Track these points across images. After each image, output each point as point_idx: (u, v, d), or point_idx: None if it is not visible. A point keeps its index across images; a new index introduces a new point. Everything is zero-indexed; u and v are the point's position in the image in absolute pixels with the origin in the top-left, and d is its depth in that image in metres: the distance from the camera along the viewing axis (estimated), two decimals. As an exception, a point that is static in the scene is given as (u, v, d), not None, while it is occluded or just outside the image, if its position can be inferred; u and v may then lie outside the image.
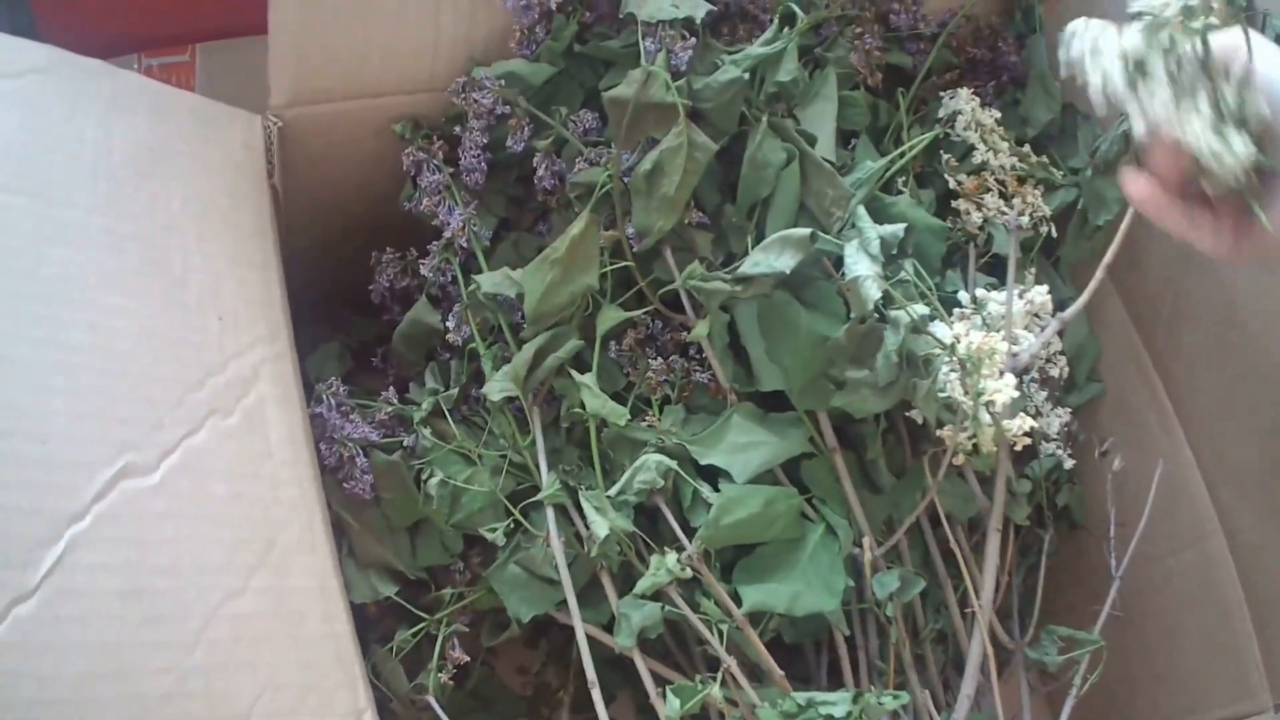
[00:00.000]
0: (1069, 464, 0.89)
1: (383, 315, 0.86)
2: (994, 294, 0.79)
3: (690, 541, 0.73)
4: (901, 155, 0.80)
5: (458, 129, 0.80)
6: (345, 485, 0.77)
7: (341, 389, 0.78)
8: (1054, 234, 0.87)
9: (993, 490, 0.77)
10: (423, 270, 0.80)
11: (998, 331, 0.74)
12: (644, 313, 0.78)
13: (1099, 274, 0.80)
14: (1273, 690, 0.83)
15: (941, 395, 0.72)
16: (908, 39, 0.87)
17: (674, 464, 0.73)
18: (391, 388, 0.80)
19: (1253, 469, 0.83)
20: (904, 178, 0.82)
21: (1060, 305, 0.81)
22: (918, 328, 0.72)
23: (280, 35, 0.78)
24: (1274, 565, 0.83)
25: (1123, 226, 0.81)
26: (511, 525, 0.76)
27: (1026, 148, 0.88)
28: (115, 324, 0.68)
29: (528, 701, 0.90)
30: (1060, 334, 0.86)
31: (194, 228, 0.74)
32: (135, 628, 0.62)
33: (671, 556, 0.72)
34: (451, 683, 0.78)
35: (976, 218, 0.85)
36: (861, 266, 0.71)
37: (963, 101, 0.85)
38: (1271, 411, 0.81)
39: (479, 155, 0.79)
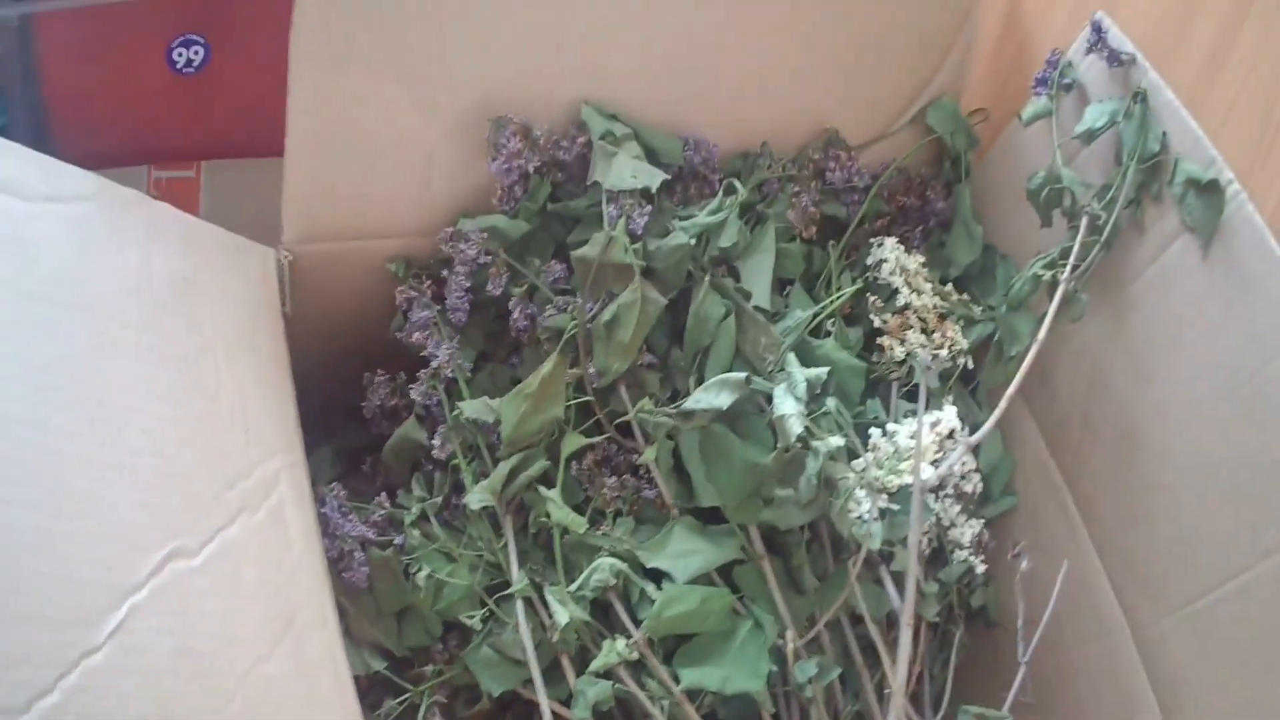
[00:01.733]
0: (980, 569, 1.30)
1: (372, 428, 1.29)
2: (903, 425, 1.22)
3: (637, 630, 1.16)
4: (831, 303, 1.24)
5: (445, 271, 1.23)
6: (344, 575, 1.18)
7: (342, 492, 1.21)
8: (969, 365, 1.30)
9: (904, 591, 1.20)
10: (412, 394, 1.23)
11: (906, 459, 1.17)
12: (602, 439, 1.21)
13: (1006, 398, 1.19)
14: (1179, 779, 1.13)
15: (851, 515, 1.16)
16: (843, 190, 1.31)
17: (624, 566, 1.16)
18: (384, 493, 1.23)
19: (1155, 571, 1.17)
20: (831, 320, 1.25)
21: (976, 428, 1.24)
22: (834, 456, 1.15)
23: (295, 178, 1.18)
24: (1176, 657, 1.14)
25: (1029, 357, 1.21)
26: (486, 614, 1.18)
27: (950, 287, 1.31)
28: (164, 430, 0.95)
29: (494, 770, 1.33)
30: (976, 452, 1.28)
31: (223, 349, 1.06)
32: (184, 681, 0.87)
33: (621, 642, 1.14)
34: (430, 749, 1.21)
35: (900, 353, 1.27)
36: (787, 406, 1.14)
37: (889, 250, 1.28)
38: (1170, 522, 1.15)
39: (463, 296, 1.21)
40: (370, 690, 1.23)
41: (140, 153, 1.43)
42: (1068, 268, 1.23)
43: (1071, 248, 1.23)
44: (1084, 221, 1.23)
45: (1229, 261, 1.10)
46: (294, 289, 1.24)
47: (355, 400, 1.30)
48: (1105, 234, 1.22)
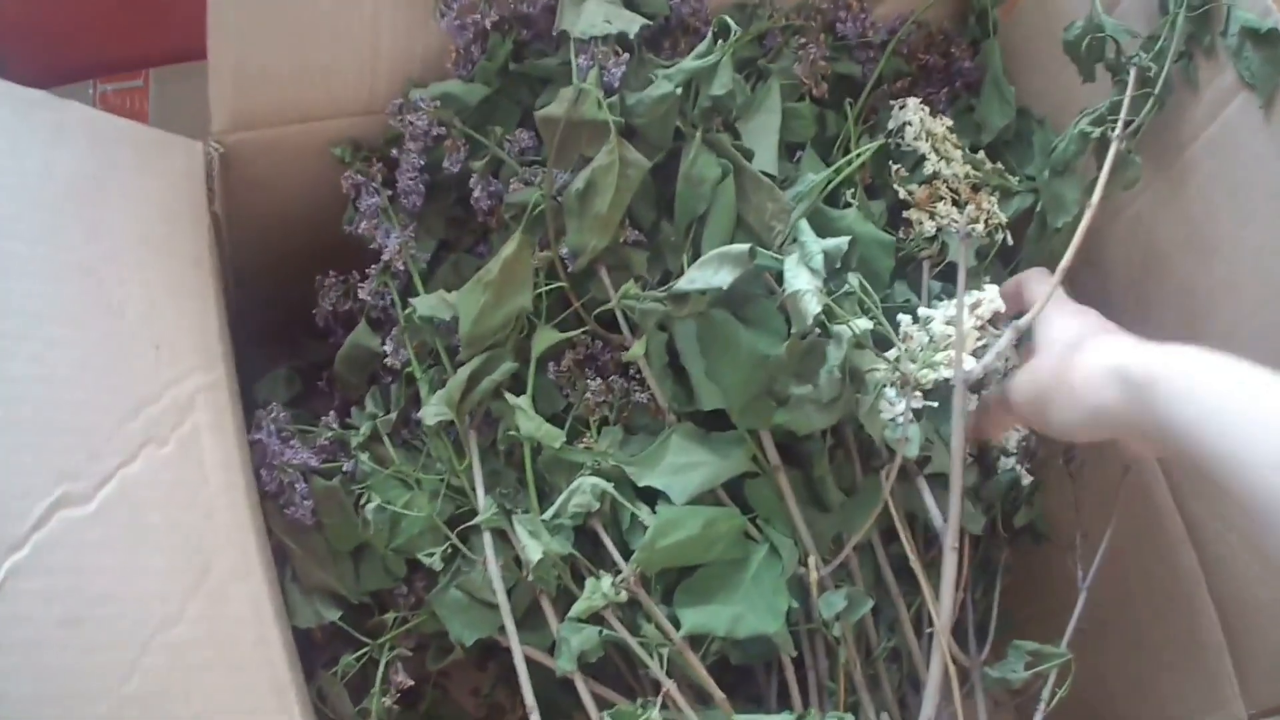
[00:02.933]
0: (1027, 480, 0.85)
1: (330, 338, 0.83)
2: (938, 309, 0.75)
3: (627, 564, 0.70)
4: (847, 165, 0.76)
5: (396, 151, 0.78)
6: (286, 511, 0.75)
7: (282, 414, 0.76)
8: (1009, 241, 0.84)
9: (947, 505, 0.74)
10: (361, 294, 0.78)
11: (943, 349, 0.71)
12: (580, 333, 0.75)
13: (1056, 278, 0.77)
14: (1245, 701, 0.79)
15: (883, 416, 0.70)
16: (856, 47, 0.84)
17: (609, 486, 0.71)
18: (334, 412, 0.78)
19: (1219, 481, 0.80)
20: (851, 190, 0.78)
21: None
22: (861, 343, 0.69)
23: (219, 61, 0.76)
24: (1242, 576, 0.79)
25: (1079, 229, 0.77)
26: (450, 550, 0.74)
27: (981, 154, 0.85)
28: (55, 355, 0.66)
29: (481, 723, 0.88)
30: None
31: (132, 257, 0.72)
32: (76, 655, 0.61)
33: (606, 580, 0.69)
34: (396, 706, 0.76)
35: (929, 228, 0.81)
36: (801, 280, 0.68)
37: (911, 111, 0.82)
38: None
39: (416, 177, 0.77)
40: (326, 644, 0.80)
41: (91, 67, 0.99)
42: (1118, 124, 0.79)
43: (1121, 102, 0.79)
44: (1132, 74, 0.79)
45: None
46: (228, 185, 0.81)
47: (314, 312, 0.84)
48: (1158, 88, 0.79)
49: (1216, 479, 0.58)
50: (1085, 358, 0.67)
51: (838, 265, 0.71)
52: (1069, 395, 0.67)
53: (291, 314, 0.86)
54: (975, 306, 0.75)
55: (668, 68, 0.73)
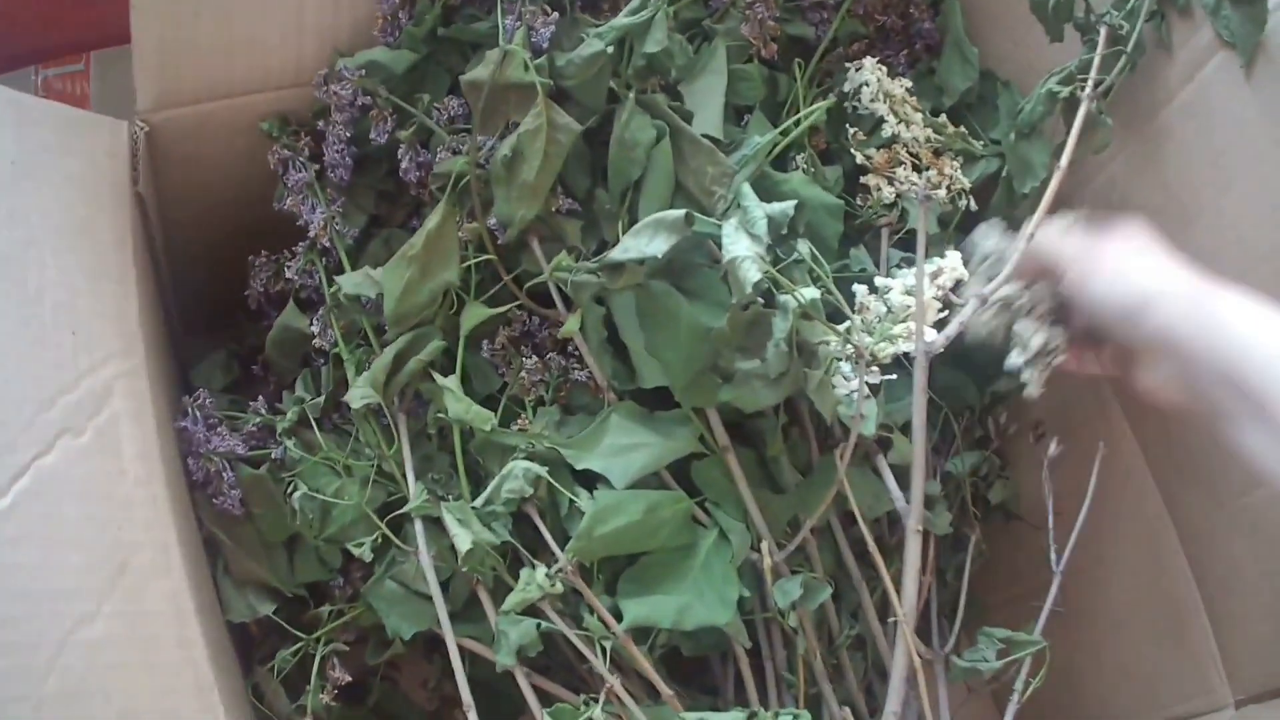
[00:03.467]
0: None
1: (263, 321, 0.78)
2: (897, 278, 0.69)
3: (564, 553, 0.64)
4: (795, 126, 0.70)
5: (324, 124, 0.72)
6: (215, 501, 0.69)
7: (209, 401, 0.70)
8: (973, 207, 0.77)
9: (909, 486, 0.68)
10: (288, 273, 0.72)
11: (901, 320, 0.65)
12: (511, 307, 0.69)
13: (1022, 243, 0.70)
14: (1232, 686, 0.73)
15: (837, 392, 0.63)
16: (809, 8, 0.77)
17: (543, 471, 0.64)
18: (262, 398, 0.72)
19: (1201, 456, 0.73)
20: (801, 154, 0.72)
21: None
22: (809, 313, 0.63)
23: (143, 37, 0.71)
24: (1226, 556, 0.73)
25: (1047, 194, 0.71)
26: (382, 539, 0.68)
27: (943, 118, 0.78)
28: None
29: (431, 716, 0.82)
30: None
31: (51, 241, 0.67)
32: None
33: (541, 570, 0.63)
34: (336, 704, 0.70)
35: (888, 193, 0.75)
36: (741, 247, 0.61)
37: (868, 72, 0.75)
38: None
39: (343, 150, 0.71)
40: (264, 639, 0.74)
41: (32, 52, 0.93)
42: (1088, 83, 0.73)
43: (1091, 60, 0.73)
44: (1102, 33, 0.73)
45: (1276, 80, 0.67)
46: (155, 164, 0.75)
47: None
48: (1130, 47, 0.72)
49: None
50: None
51: (784, 231, 0.64)
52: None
53: (230, 296, 0.80)
54: (936, 275, 0.69)
55: (600, 27, 0.67)
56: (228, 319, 0.83)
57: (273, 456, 0.70)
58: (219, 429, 0.69)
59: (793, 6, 0.77)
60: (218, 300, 0.81)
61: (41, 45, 0.92)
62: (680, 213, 0.62)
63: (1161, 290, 0.62)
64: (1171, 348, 0.62)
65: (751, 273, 0.60)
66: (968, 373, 0.79)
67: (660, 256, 0.62)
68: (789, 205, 0.64)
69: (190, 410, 0.69)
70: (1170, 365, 0.63)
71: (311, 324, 0.71)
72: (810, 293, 0.62)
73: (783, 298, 0.62)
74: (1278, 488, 0.58)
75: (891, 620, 0.67)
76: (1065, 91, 0.73)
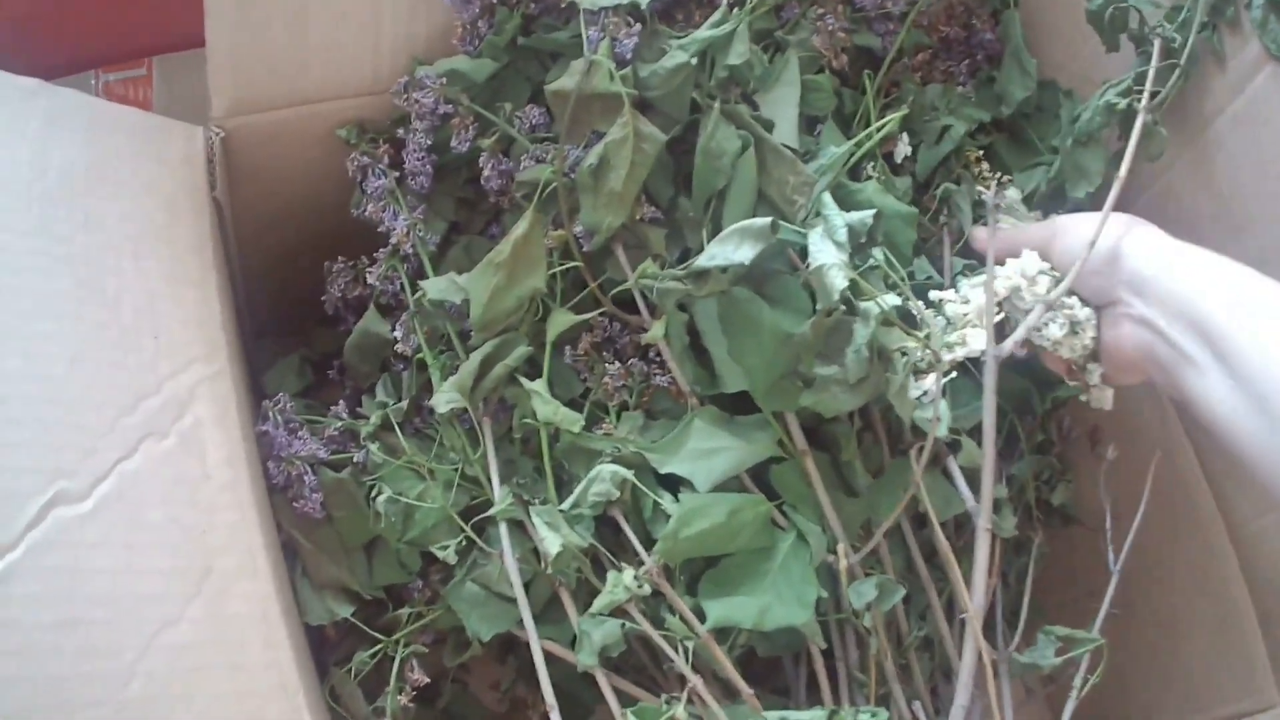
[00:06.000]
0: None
1: (339, 326, 0.77)
2: (951, 291, 0.69)
3: (649, 555, 0.64)
4: (868, 138, 0.70)
5: (403, 132, 0.72)
6: (295, 504, 0.69)
7: (289, 405, 0.70)
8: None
9: (979, 488, 0.68)
10: (370, 279, 0.72)
11: (962, 327, 0.65)
12: (596, 314, 0.68)
13: (1085, 251, 0.70)
14: (1280, 686, 0.73)
15: (913, 395, 0.63)
16: (876, 19, 0.77)
17: (630, 474, 0.64)
18: (343, 402, 0.72)
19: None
20: (872, 164, 0.72)
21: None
22: (888, 320, 0.63)
23: (218, 44, 0.70)
24: (1277, 558, 0.73)
25: (1109, 200, 0.71)
26: (466, 542, 0.67)
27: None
28: (49, 349, 0.61)
29: (502, 718, 0.81)
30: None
31: (130, 246, 0.67)
32: (71, 660, 0.56)
33: (629, 573, 0.63)
34: (412, 705, 0.69)
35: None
36: (827, 254, 0.61)
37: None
38: None
39: (424, 158, 0.70)
40: (340, 641, 0.74)
41: (94, 57, 0.93)
42: (1144, 94, 0.72)
43: (1146, 73, 0.73)
44: (1156, 45, 0.73)
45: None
46: (230, 170, 0.75)
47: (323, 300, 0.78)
48: (1183, 59, 0.72)
49: None
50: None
51: (862, 240, 0.64)
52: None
53: (302, 302, 0.80)
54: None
55: (682, 38, 0.67)
56: (296, 324, 0.82)
57: (354, 460, 0.69)
58: (300, 433, 0.69)
59: (859, 17, 0.77)
60: (286, 305, 0.81)
61: (104, 49, 0.91)
62: (766, 221, 0.62)
63: (1131, 236, 0.64)
64: (1139, 290, 0.62)
65: (838, 280, 0.60)
66: (1030, 378, 0.79)
67: (746, 263, 0.62)
68: (868, 214, 0.64)
69: (271, 414, 0.69)
70: (1135, 322, 0.63)
71: (393, 329, 0.71)
72: (891, 299, 0.62)
73: (864, 305, 0.62)
74: (1232, 437, 0.58)
75: (961, 616, 0.67)
76: (1123, 103, 0.73)
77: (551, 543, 0.63)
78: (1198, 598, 0.79)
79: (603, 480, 0.64)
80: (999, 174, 0.76)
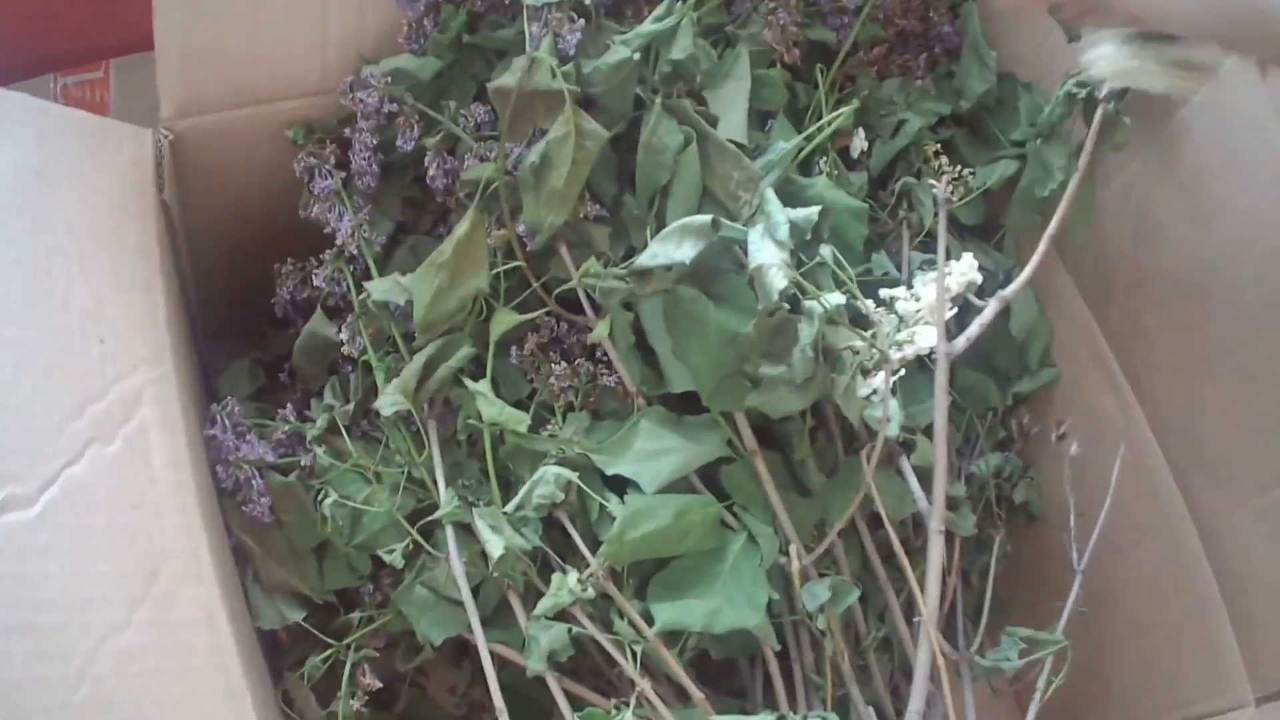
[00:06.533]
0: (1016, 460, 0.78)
1: (289, 329, 0.77)
2: (919, 280, 0.68)
3: (595, 558, 0.63)
4: (818, 132, 0.69)
5: (350, 131, 0.71)
6: (244, 509, 0.68)
7: (237, 409, 0.69)
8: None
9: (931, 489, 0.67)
10: (316, 280, 0.71)
11: (914, 325, 0.64)
12: (540, 314, 0.68)
13: (1042, 246, 0.70)
14: (1253, 683, 0.72)
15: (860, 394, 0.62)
16: (830, 12, 0.76)
17: (574, 476, 0.64)
18: (290, 405, 0.71)
19: (1222, 453, 0.72)
20: (825, 158, 0.71)
21: (1006, 283, 0.71)
22: (834, 319, 0.62)
23: (166, 45, 0.70)
24: (1247, 554, 0.71)
25: (1066, 196, 0.70)
26: (413, 546, 0.67)
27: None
28: None
29: (460, 721, 0.81)
30: (1006, 314, 0.75)
31: (77, 250, 0.66)
32: (22, 665, 0.55)
33: (572, 575, 0.62)
34: (366, 709, 0.69)
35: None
36: (766, 254, 0.61)
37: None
38: (1239, 391, 0.70)
39: (369, 157, 0.70)
40: (293, 646, 0.73)
41: (51, 60, 0.92)
42: (1105, 85, 0.71)
43: (1108, 64, 0.71)
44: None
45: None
46: (180, 172, 0.74)
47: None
48: (1146, 49, 0.70)
49: None
50: None
51: (808, 236, 0.64)
52: None
53: (257, 303, 0.79)
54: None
55: (625, 33, 0.66)
56: (251, 326, 0.82)
57: (302, 464, 0.69)
58: (248, 436, 0.68)
59: (813, 11, 0.76)
60: (241, 307, 0.80)
61: (61, 52, 0.90)
62: (707, 218, 0.61)
63: None
64: None
65: (777, 280, 0.59)
66: (990, 375, 0.78)
67: (688, 263, 0.61)
68: (813, 211, 0.64)
69: (219, 418, 0.68)
70: None
71: (340, 331, 0.70)
72: (835, 298, 0.62)
73: (808, 304, 0.62)
74: None
75: (916, 620, 0.66)
76: (1083, 93, 0.72)
77: (494, 545, 0.62)
78: (1168, 595, 0.77)
79: (546, 482, 0.63)
80: (958, 168, 0.75)
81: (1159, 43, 0.62)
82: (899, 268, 0.74)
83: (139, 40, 0.83)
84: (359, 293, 0.69)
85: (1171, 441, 0.76)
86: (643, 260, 0.62)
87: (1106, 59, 0.64)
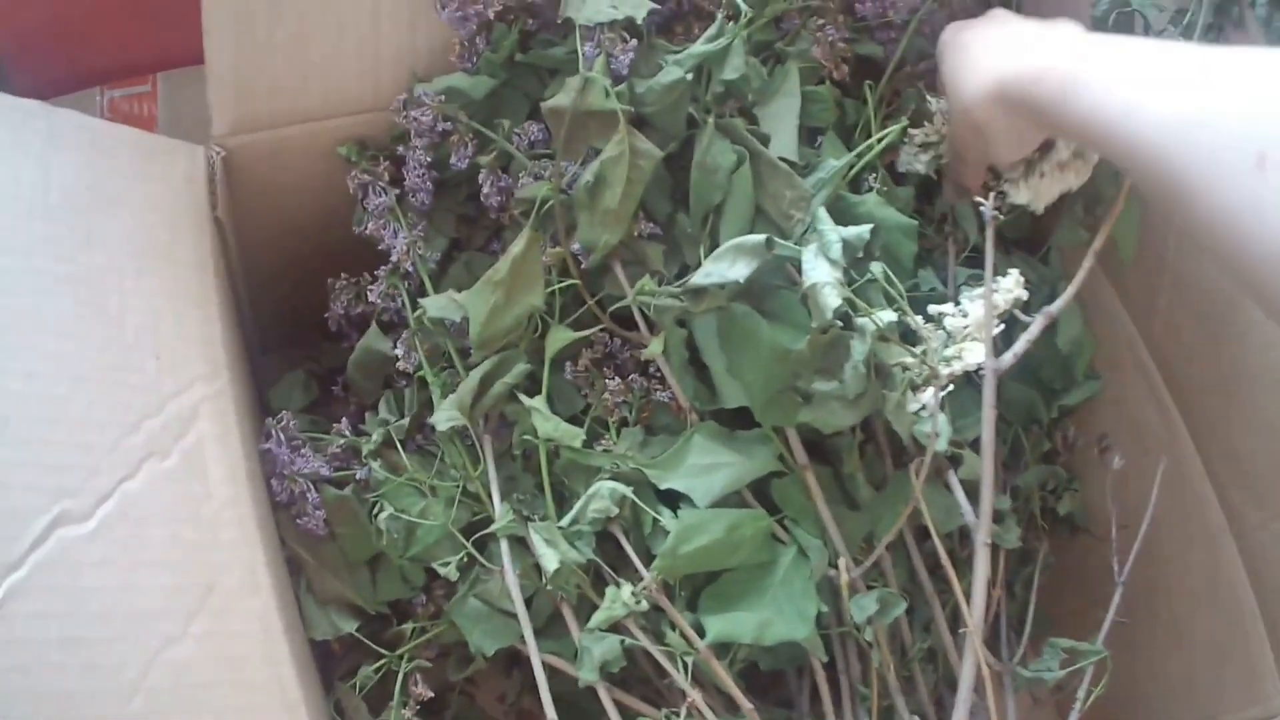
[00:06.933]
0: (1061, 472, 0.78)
1: (343, 343, 0.77)
2: (950, 305, 0.68)
3: (649, 571, 0.64)
4: (868, 149, 0.70)
5: (403, 149, 0.72)
6: (299, 521, 0.69)
7: (292, 423, 0.70)
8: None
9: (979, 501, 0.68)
10: (371, 296, 0.72)
11: (961, 341, 0.65)
12: (595, 331, 0.68)
13: (1087, 262, 0.70)
14: (1287, 694, 0.73)
15: (910, 410, 0.63)
16: (877, 28, 0.76)
17: (628, 490, 0.64)
18: (345, 419, 0.72)
19: (1261, 465, 0.72)
20: (874, 175, 0.72)
21: (1052, 297, 0.71)
22: (885, 335, 0.62)
23: (217, 62, 0.70)
24: (1285, 566, 0.72)
25: (1112, 211, 0.71)
26: (467, 558, 0.67)
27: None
28: (51, 370, 0.61)
29: (509, 730, 0.82)
30: (1053, 327, 0.76)
31: (132, 265, 0.67)
32: (76, 676, 0.56)
33: (626, 589, 0.63)
34: (416, 718, 0.70)
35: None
36: (820, 272, 0.61)
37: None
38: (1277, 403, 0.70)
39: (423, 174, 0.70)
40: (345, 656, 0.74)
41: (99, 73, 0.93)
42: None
43: (1154, 77, 0.70)
44: None
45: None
46: (233, 188, 0.75)
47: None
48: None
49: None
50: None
51: (859, 254, 0.64)
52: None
53: (308, 318, 0.80)
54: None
55: (678, 53, 0.67)
56: (301, 340, 0.82)
57: (357, 477, 0.69)
58: (303, 450, 0.69)
59: (861, 27, 0.76)
60: (294, 322, 0.81)
61: (109, 66, 0.91)
62: (761, 238, 0.62)
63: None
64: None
65: (831, 299, 0.60)
66: (1036, 388, 0.78)
67: (741, 281, 0.62)
68: (864, 230, 0.64)
69: (274, 432, 0.69)
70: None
71: (395, 347, 0.71)
72: (887, 316, 0.62)
73: (860, 321, 0.62)
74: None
75: (961, 632, 0.67)
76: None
77: (549, 559, 0.63)
78: (1205, 605, 0.78)
79: (601, 497, 0.64)
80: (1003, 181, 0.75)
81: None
82: (944, 283, 0.74)
83: (186, 54, 0.84)
84: (414, 309, 0.70)
85: (1212, 453, 0.76)
86: (697, 279, 0.63)
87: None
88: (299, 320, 0.81)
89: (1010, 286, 0.69)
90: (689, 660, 0.64)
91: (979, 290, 0.68)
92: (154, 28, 0.89)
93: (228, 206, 0.73)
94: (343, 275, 0.75)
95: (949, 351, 0.66)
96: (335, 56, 0.71)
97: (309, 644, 0.71)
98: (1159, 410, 0.79)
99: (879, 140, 0.69)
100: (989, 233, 0.69)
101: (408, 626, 0.70)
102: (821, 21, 0.73)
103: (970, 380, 0.68)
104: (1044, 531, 0.79)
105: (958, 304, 0.68)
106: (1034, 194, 0.71)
